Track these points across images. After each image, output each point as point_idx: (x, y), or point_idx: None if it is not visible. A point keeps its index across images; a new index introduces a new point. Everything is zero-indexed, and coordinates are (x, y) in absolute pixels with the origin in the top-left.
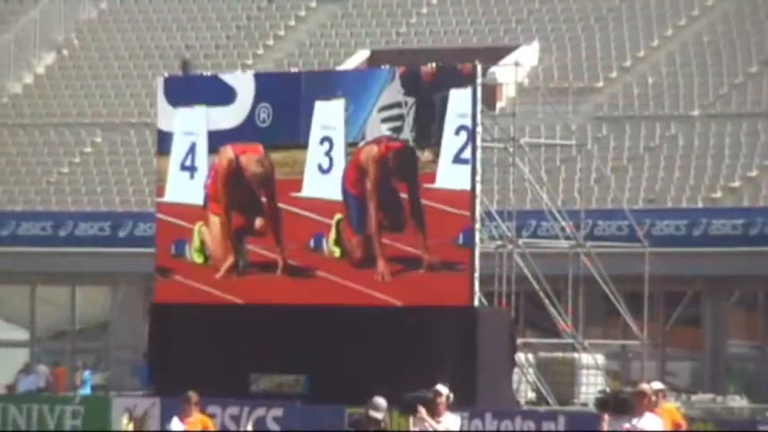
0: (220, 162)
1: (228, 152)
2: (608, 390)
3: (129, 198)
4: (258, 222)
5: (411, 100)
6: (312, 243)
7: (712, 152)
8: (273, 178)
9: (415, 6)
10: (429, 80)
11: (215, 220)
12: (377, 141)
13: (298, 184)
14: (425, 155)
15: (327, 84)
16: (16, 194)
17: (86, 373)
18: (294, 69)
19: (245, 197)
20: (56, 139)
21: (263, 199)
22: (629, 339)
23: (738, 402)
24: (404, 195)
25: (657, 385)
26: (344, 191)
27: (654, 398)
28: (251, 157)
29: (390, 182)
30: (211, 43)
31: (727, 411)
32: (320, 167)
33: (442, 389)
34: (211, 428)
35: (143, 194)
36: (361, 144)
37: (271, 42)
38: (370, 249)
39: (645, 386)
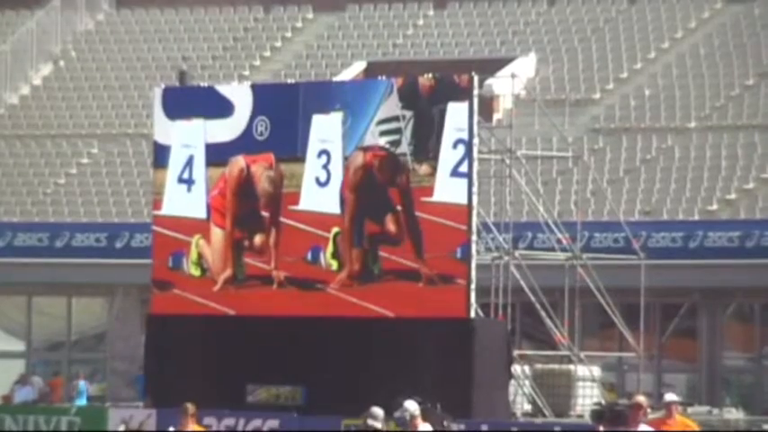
0: (231, 172)
1: (240, 162)
2: (604, 402)
3: (125, 209)
4: (259, 234)
5: (409, 113)
6: (309, 256)
7: (709, 164)
8: (282, 187)
9: (411, 18)
10: (427, 93)
11: (217, 233)
12: (364, 149)
13: (295, 198)
14: (423, 168)
15: (326, 96)
16: (13, 205)
17: (81, 383)
18: (291, 81)
19: (250, 209)
20: (52, 151)
21: (266, 211)
22: (625, 351)
23: (734, 414)
24: (400, 208)
25: (671, 397)
26: (343, 203)
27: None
28: (262, 167)
29: (386, 193)
30: (208, 54)
31: (723, 424)
32: (318, 181)
33: (411, 405)
34: None
35: (140, 205)
36: (351, 154)
37: (267, 54)
38: (367, 262)
39: (640, 398)
